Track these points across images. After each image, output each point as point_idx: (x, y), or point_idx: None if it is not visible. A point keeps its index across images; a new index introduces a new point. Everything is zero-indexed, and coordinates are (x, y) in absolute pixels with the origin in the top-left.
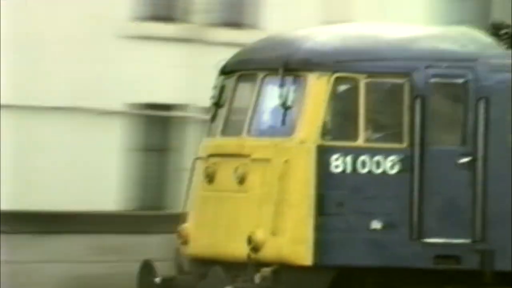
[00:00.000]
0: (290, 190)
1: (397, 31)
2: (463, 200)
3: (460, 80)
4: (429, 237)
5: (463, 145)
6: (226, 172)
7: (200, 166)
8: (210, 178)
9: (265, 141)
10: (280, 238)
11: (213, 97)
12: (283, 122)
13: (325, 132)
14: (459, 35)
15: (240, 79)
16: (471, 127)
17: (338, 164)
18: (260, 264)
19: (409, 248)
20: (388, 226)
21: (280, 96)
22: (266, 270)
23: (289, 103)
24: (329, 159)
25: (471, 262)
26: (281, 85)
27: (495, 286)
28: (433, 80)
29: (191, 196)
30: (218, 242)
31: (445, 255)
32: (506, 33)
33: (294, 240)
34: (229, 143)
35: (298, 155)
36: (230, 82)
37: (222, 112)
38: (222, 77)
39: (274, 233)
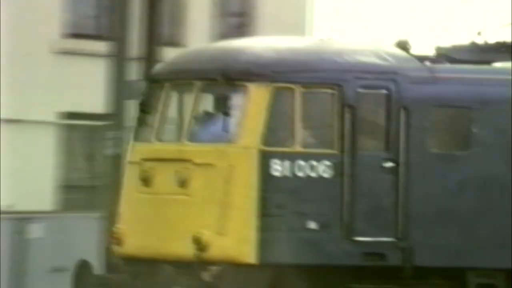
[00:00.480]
0: (234, 193)
1: (324, 45)
2: (387, 201)
3: (384, 91)
4: (358, 236)
5: (386, 151)
6: (164, 176)
7: (132, 170)
8: (146, 181)
9: (207, 146)
10: (225, 238)
11: (141, 104)
12: (225, 129)
13: (266, 138)
14: (379, 50)
15: (174, 87)
16: (394, 135)
17: (277, 168)
18: (205, 263)
19: (340, 246)
20: (322, 226)
21: (221, 104)
22: (214, 269)
23: (230, 111)
24: (270, 164)
25: (395, 259)
26: (222, 94)
27: (415, 280)
28: (360, 90)
29: (123, 199)
30: (158, 242)
31: (371, 252)
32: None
33: (239, 240)
34: (168, 148)
35: (241, 160)
36: (163, 90)
37: (154, 118)
38: (151, 84)
39: (219, 233)
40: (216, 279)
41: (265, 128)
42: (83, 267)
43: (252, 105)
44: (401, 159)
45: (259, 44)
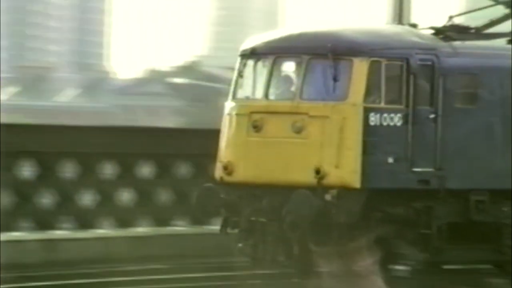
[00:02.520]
0: (347, 137)
1: (387, 29)
2: (431, 142)
3: (430, 63)
4: (415, 167)
5: (431, 106)
6: (277, 124)
7: (240, 120)
8: (258, 128)
9: (320, 103)
10: (340, 170)
11: (239, 71)
12: (334, 91)
13: (365, 97)
14: (418, 32)
15: (277, 60)
16: (436, 94)
17: (372, 119)
18: (325, 188)
19: (406, 175)
20: (396, 160)
21: (331, 73)
22: (333, 191)
23: (338, 78)
24: (368, 116)
25: (435, 184)
26: (332, 66)
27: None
28: (418, 62)
29: (230, 141)
30: (275, 172)
31: (422, 179)
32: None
33: (350, 171)
34: (282, 104)
35: (351, 113)
36: (266, 61)
37: (261, 82)
38: (252, 57)
39: (336, 166)
40: (335, 198)
41: (365, 90)
42: (208, 190)
43: (356, 73)
44: (439, 111)
45: (350, 28)
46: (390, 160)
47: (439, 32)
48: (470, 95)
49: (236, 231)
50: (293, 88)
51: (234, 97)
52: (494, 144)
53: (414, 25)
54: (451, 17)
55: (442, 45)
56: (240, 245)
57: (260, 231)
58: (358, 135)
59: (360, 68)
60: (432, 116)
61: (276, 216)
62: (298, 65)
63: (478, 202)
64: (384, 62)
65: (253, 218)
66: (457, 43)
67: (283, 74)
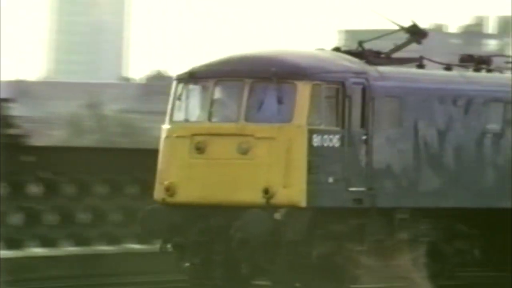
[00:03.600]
0: (293, 158)
1: (321, 53)
2: (363, 163)
3: (362, 86)
4: (350, 187)
5: (362, 128)
6: (221, 146)
7: (182, 142)
8: (201, 150)
9: (266, 125)
10: (288, 189)
11: (177, 95)
12: (279, 113)
13: (308, 120)
14: (347, 56)
15: (219, 83)
16: (366, 116)
17: (315, 140)
18: (273, 207)
19: (343, 194)
20: (335, 180)
21: (276, 96)
22: (282, 210)
23: (283, 101)
24: (312, 137)
25: (367, 202)
26: (276, 89)
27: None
28: (352, 86)
29: (171, 162)
30: (223, 192)
31: (356, 198)
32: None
33: (298, 190)
34: (226, 126)
35: (297, 135)
36: (207, 84)
37: (199, 104)
38: (188, 81)
39: (284, 186)
40: (284, 217)
41: (308, 113)
42: (151, 212)
43: (300, 96)
44: (369, 133)
45: (291, 52)
46: (331, 180)
47: (355, 56)
48: (395, 117)
49: (177, 251)
50: (236, 111)
51: (171, 120)
52: (416, 164)
53: (337, 49)
54: (361, 43)
55: (370, 69)
56: (187, 264)
57: (207, 251)
58: (304, 156)
59: (303, 91)
60: (364, 137)
61: (223, 235)
62: (241, 88)
63: (401, 220)
64: (324, 86)
65: (198, 238)
66: (383, 68)
67: (225, 97)
